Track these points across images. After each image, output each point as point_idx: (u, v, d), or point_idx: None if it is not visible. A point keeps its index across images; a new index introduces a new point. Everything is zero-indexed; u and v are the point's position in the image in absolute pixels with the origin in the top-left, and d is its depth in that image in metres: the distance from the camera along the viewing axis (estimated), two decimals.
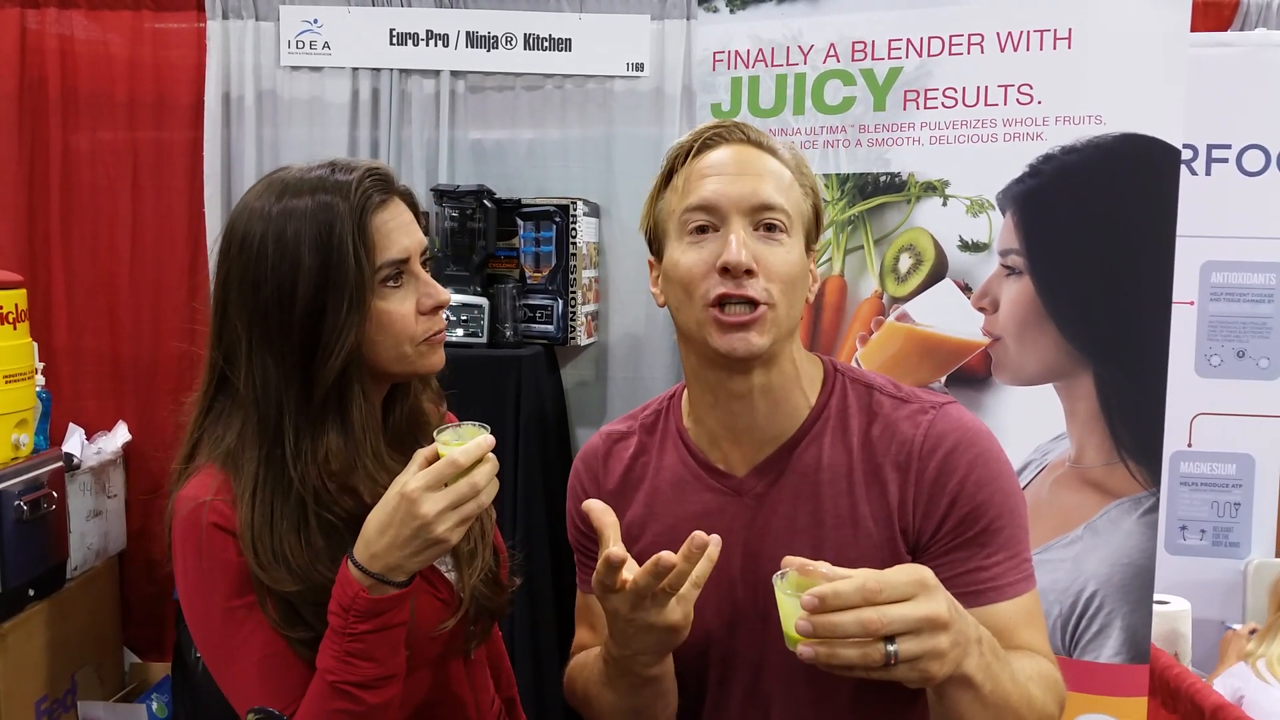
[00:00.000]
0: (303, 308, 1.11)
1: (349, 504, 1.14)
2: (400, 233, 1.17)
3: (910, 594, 0.86)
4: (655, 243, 1.17)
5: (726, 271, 1.05)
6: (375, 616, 1.06)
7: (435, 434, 1.09)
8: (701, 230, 1.08)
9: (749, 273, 1.04)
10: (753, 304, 1.05)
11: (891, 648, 0.84)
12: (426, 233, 1.27)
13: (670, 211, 1.12)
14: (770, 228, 1.08)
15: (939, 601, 0.86)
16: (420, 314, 1.18)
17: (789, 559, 0.92)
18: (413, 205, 1.23)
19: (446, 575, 1.24)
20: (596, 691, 1.14)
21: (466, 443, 1.06)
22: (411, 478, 1.05)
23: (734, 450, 1.15)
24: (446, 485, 1.04)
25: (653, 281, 1.18)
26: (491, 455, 1.07)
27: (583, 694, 1.19)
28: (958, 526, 1.08)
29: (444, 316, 1.22)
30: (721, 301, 1.06)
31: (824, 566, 0.90)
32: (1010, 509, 1.09)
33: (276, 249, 1.12)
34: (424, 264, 1.21)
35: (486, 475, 1.05)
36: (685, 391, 1.22)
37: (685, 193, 1.10)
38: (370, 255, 1.12)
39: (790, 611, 0.89)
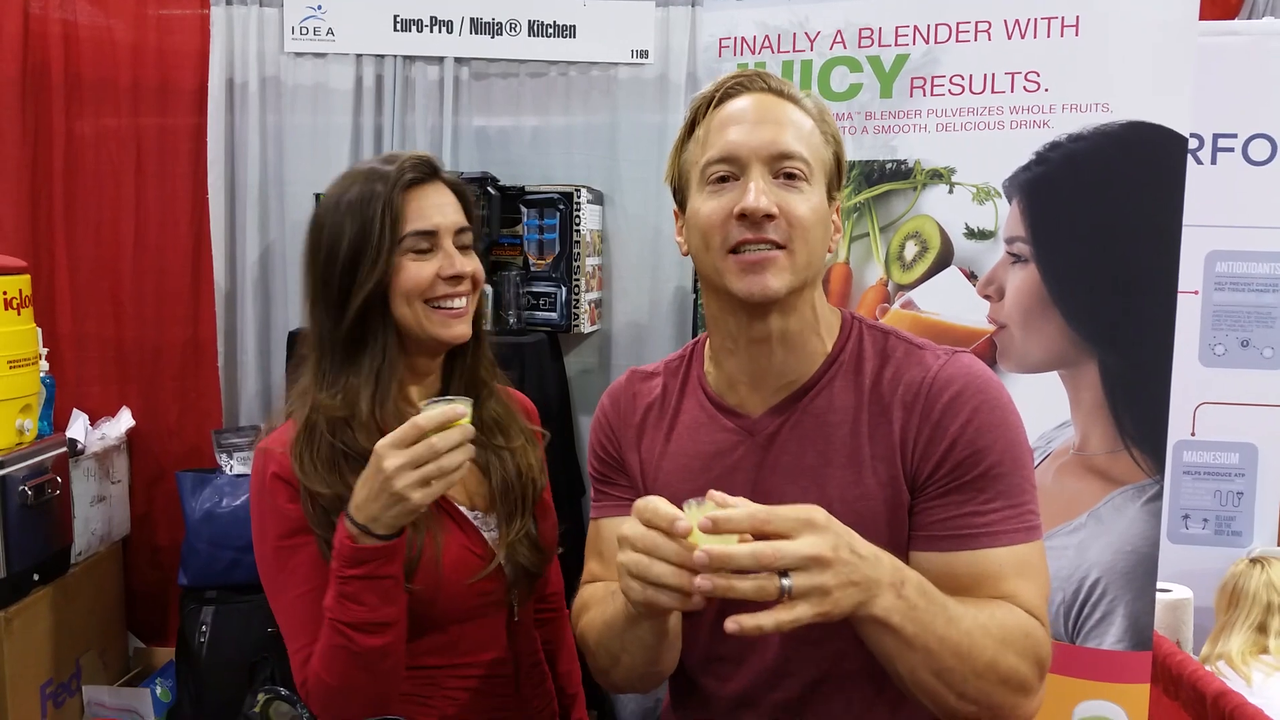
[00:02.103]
0: (342, 265, 1.30)
1: (350, 438, 1.28)
2: (432, 210, 1.34)
3: (794, 531, 0.89)
4: (680, 193, 1.20)
5: (745, 217, 1.07)
6: (361, 564, 1.17)
7: (424, 404, 1.18)
8: (722, 180, 1.11)
9: (768, 216, 1.07)
10: (771, 245, 1.08)
11: (786, 582, 0.88)
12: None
13: (694, 162, 1.15)
14: (790, 176, 1.09)
15: (823, 540, 0.89)
16: (440, 279, 1.32)
17: (712, 492, 0.95)
18: (460, 193, 1.39)
19: (487, 535, 1.36)
20: (611, 619, 1.12)
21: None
22: (385, 437, 1.17)
23: (750, 394, 1.17)
24: (410, 446, 1.14)
25: (678, 231, 1.22)
26: (467, 426, 1.17)
27: (599, 627, 1.17)
28: (955, 469, 1.08)
29: (463, 290, 1.36)
30: (740, 247, 1.08)
31: (718, 495, 0.93)
32: (1013, 458, 1.09)
33: (332, 221, 1.32)
34: (464, 244, 1.36)
35: (448, 441, 1.14)
36: (708, 338, 1.25)
37: (707, 144, 1.13)
38: (396, 224, 1.31)
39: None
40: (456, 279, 1.34)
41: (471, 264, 1.37)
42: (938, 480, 1.09)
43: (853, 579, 0.91)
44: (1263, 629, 2.33)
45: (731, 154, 1.09)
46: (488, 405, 1.43)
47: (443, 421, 1.14)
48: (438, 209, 1.34)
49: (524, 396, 1.58)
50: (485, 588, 1.34)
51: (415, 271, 1.31)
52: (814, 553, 0.88)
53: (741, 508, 0.90)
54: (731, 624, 0.89)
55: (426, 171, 1.35)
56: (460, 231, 1.36)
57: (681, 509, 0.94)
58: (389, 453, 1.14)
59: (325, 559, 1.24)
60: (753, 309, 1.11)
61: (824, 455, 1.13)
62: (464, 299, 1.36)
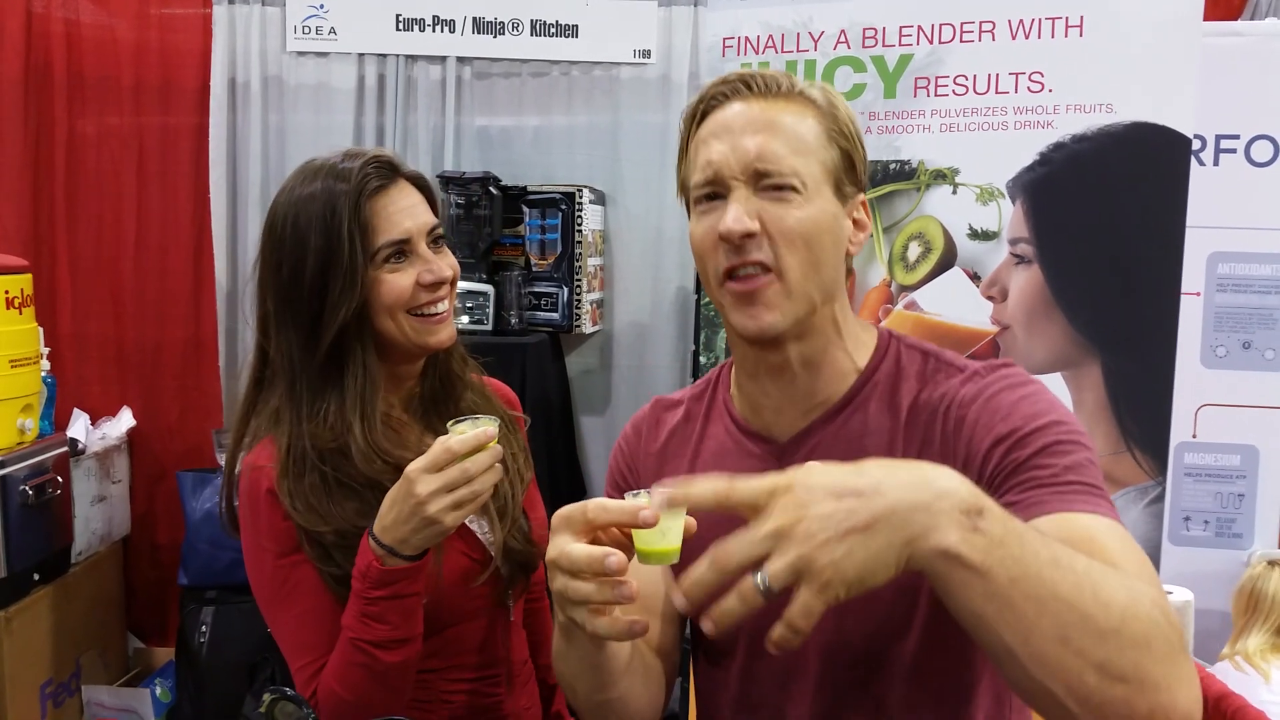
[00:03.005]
0: (310, 283, 1.24)
1: (347, 467, 1.25)
2: (401, 215, 1.27)
3: (760, 501, 0.75)
4: (688, 208, 1.13)
5: (727, 241, 1.01)
6: (387, 585, 1.16)
7: (450, 424, 1.16)
8: (710, 199, 1.05)
9: (750, 235, 1.00)
10: (760, 268, 1.01)
11: (760, 579, 0.73)
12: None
13: (688, 183, 1.09)
14: (778, 188, 1.01)
15: (784, 503, 0.74)
16: (421, 287, 1.27)
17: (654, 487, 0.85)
18: (423, 188, 1.33)
19: (481, 537, 1.33)
20: (556, 636, 1.04)
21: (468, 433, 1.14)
22: (416, 460, 1.14)
23: (776, 418, 1.10)
24: (441, 470, 1.12)
25: None
26: (496, 447, 1.15)
27: (554, 647, 1.09)
28: (1011, 449, 0.95)
29: (444, 294, 1.31)
30: (730, 273, 1.02)
31: (657, 488, 0.84)
32: (1076, 441, 0.95)
33: (293, 232, 1.25)
34: (436, 241, 1.31)
35: (480, 464, 1.13)
36: (733, 362, 1.19)
37: (694, 163, 1.07)
38: (367, 238, 1.24)
39: (666, 528, 0.85)
40: (437, 285, 1.29)
41: (448, 263, 1.32)
42: (998, 470, 0.96)
43: (853, 525, 0.72)
44: None
45: (713, 175, 1.03)
46: (464, 399, 1.39)
47: (474, 445, 1.12)
48: (407, 213, 1.28)
49: (500, 383, 1.52)
50: (483, 590, 1.32)
51: (394, 284, 1.26)
52: (771, 528, 0.73)
53: (703, 482, 0.78)
54: (769, 646, 0.75)
55: (389, 174, 1.28)
56: (432, 230, 1.31)
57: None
58: (421, 477, 1.12)
59: (330, 590, 1.23)
60: (762, 342, 1.05)
61: None
62: (445, 301, 1.31)
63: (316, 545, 1.23)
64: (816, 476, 0.76)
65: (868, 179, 1.12)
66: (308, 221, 1.24)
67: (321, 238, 1.23)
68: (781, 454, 1.09)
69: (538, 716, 1.48)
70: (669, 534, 0.86)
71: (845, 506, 0.73)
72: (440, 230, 1.33)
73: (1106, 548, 0.84)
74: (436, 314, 1.30)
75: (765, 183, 1.01)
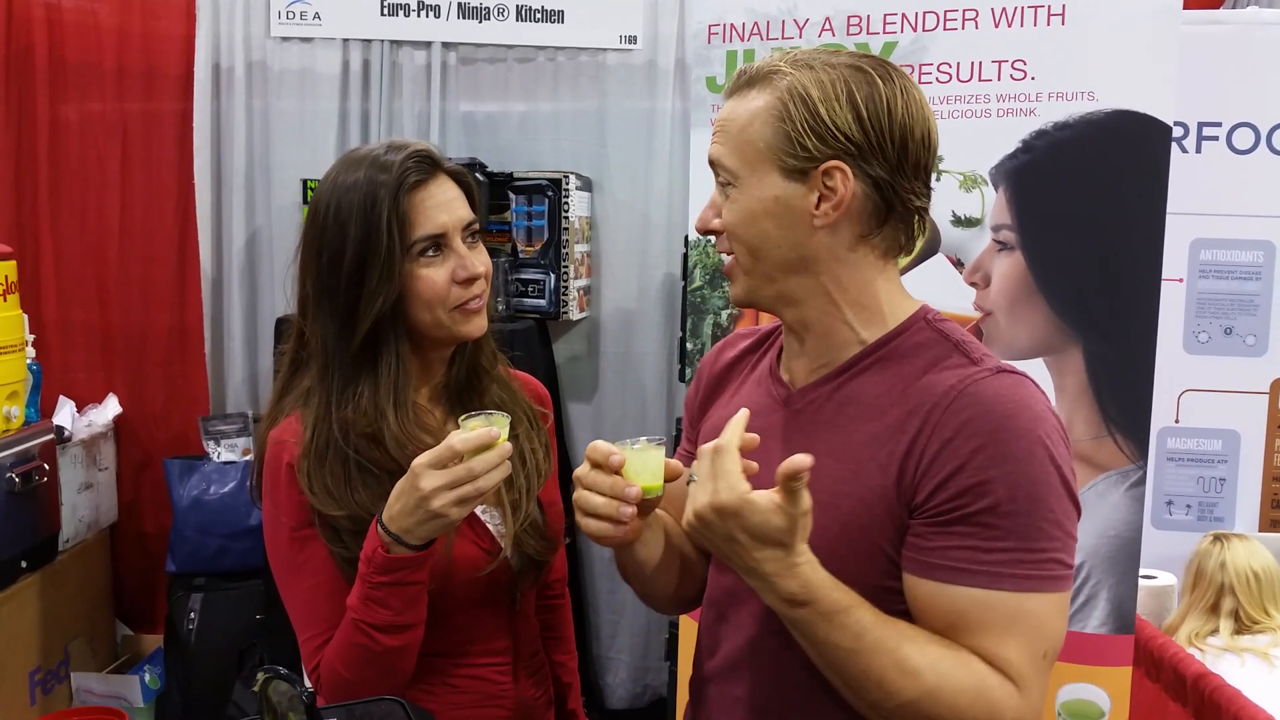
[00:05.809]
0: (348, 272, 1.27)
1: (375, 453, 1.28)
2: (439, 210, 1.30)
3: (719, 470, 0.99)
4: None
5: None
6: (391, 572, 1.19)
7: (462, 419, 1.19)
8: None
9: (718, 231, 1.13)
10: (729, 252, 1.14)
11: (694, 477, 1.01)
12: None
13: None
14: (724, 183, 1.11)
15: (710, 506, 0.98)
16: (455, 283, 1.30)
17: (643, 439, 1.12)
18: (463, 183, 1.35)
19: (491, 527, 1.36)
20: (633, 576, 1.24)
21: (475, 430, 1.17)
22: (422, 455, 1.16)
23: (795, 369, 1.19)
24: (446, 466, 1.15)
25: None
26: (504, 445, 1.17)
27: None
28: (957, 497, 0.99)
29: (479, 289, 1.34)
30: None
31: (644, 438, 1.11)
32: (1030, 497, 0.98)
33: (334, 220, 1.28)
34: (472, 236, 1.33)
35: (485, 463, 1.15)
36: None
37: None
38: (404, 231, 1.27)
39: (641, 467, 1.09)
40: (471, 280, 1.31)
41: (482, 259, 1.34)
42: (937, 506, 1.01)
43: (725, 551, 1.00)
44: (1214, 610, 2.33)
45: None
46: (490, 393, 1.41)
47: (479, 444, 1.14)
48: (444, 207, 1.30)
49: (531, 378, 1.54)
50: (490, 580, 1.34)
51: (431, 279, 1.29)
52: (698, 494, 0.99)
53: (732, 437, 1.01)
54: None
55: (429, 168, 1.30)
56: (468, 226, 1.33)
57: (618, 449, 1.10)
58: (426, 472, 1.15)
59: (339, 569, 1.26)
60: (745, 306, 1.18)
61: (829, 444, 1.09)
62: (480, 297, 1.34)
63: (329, 527, 1.26)
64: (745, 522, 0.97)
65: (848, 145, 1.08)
66: (349, 211, 1.27)
67: (361, 228, 1.25)
68: (788, 400, 1.18)
69: (548, 709, 1.49)
70: (643, 474, 1.08)
71: (735, 547, 0.98)
72: (477, 226, 1.35)
73: (975, 636, 0.99)
74: (470, 307, 1.32)
75: (717, 177, 1.12)
